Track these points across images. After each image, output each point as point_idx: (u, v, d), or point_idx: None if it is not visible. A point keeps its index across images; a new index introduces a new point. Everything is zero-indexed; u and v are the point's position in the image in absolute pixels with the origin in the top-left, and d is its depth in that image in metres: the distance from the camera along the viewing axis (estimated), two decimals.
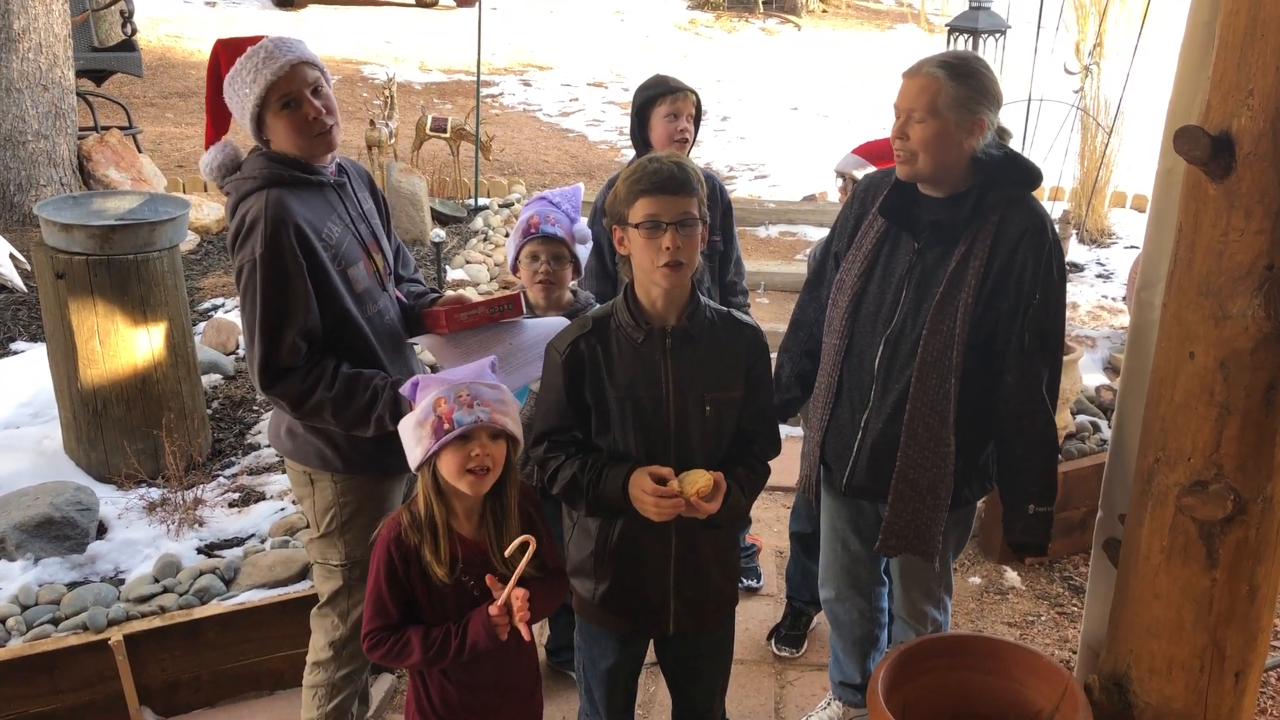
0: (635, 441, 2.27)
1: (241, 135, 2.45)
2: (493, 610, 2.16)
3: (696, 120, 3.39)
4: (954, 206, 2.49)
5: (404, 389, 2.28)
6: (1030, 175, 2.51)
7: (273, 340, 2.33)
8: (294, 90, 2.36)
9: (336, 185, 2.52)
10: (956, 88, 2.40)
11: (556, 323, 2.66)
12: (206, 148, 2.50)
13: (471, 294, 5.95)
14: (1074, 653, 3.37)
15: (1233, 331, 1.98)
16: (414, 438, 2.17)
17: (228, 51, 2.39)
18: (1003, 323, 2.49)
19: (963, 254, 2.47)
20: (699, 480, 2.19)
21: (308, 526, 2.72)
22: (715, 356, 2.30)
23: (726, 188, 3.61)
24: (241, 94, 2.37)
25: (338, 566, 2.63)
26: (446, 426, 2.11)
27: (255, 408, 4.49)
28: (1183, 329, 2.07)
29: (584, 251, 3.01)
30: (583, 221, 3.04)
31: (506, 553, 2.16)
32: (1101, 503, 2.56)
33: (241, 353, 4.83)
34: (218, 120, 2.49)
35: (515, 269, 3.02)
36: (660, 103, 3.33)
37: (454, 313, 2.51)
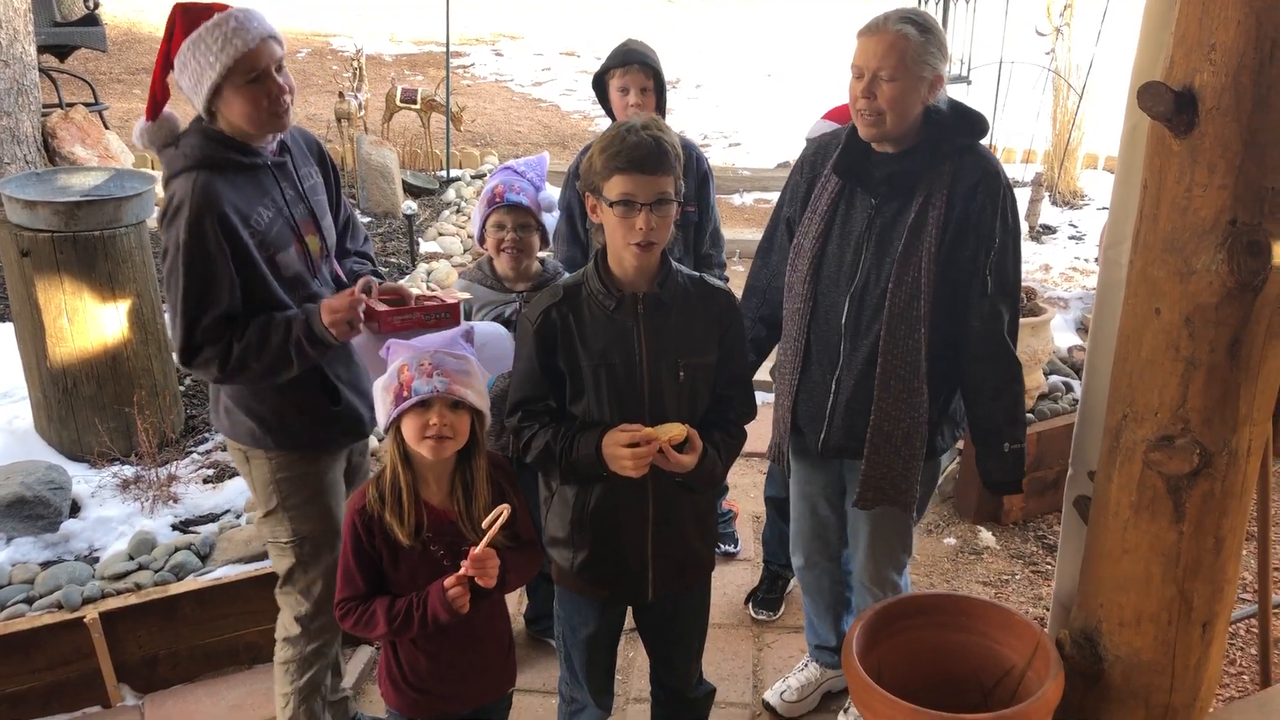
0: (609, 408, 2.26)
1: (181, 107, 2.37)
2: (466, 567, 2.17)
3: (659, 92, 3.29)
4: (908, 159, 2.51)
5: (381, 351, 2.28)
6: (978, 125, 2.55)
7: (192, 322, 2.32)
8: (262, 66, 2.31)
9: (275, 165, 2.46)
10: (923, 43, 2.42)
11: (492, 330, 2.64)
12: (148, 116, 2.41)
13: (445, 266, 5.96)
14: (1048, 610, 3.41)
15: (1197, 287, 1.99)
16: (380, 401, 2.21)
17: (187, 17, 2.30)
18: (964, 269, 2.52)
19: (921, 205, 2.49)
20: (671, 430, 2.20)
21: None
22: (688, 322, 2.29)
23: (706, 157, 3.55)
24: (203, 62, 2.28)
25: (287, 544, 2.62)
26: (405, 394, 2.13)
27: None
28: (1149, 285, 2.08)
29: (550, 220, 2.99)
30: (549, 190, 3.02)
31: (484, 524, 2.17)
32: (1072, 460, 2.58)
33: None
34: (164, 90, 2.41)
35: (482, 239, 3.00)
36: (612, 75, 3.27)
37: (390, 314, 2.45)
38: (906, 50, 2.40)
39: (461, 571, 2.17)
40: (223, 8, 2.32)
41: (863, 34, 2.47)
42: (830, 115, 3.48)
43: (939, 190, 2.49)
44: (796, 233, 2.69)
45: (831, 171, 2.61)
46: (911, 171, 2.50)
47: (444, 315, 2.53)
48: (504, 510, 2.16)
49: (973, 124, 2.55)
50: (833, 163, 2.60)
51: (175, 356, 2.39)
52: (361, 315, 2.39)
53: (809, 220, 2.65)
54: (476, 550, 2.16)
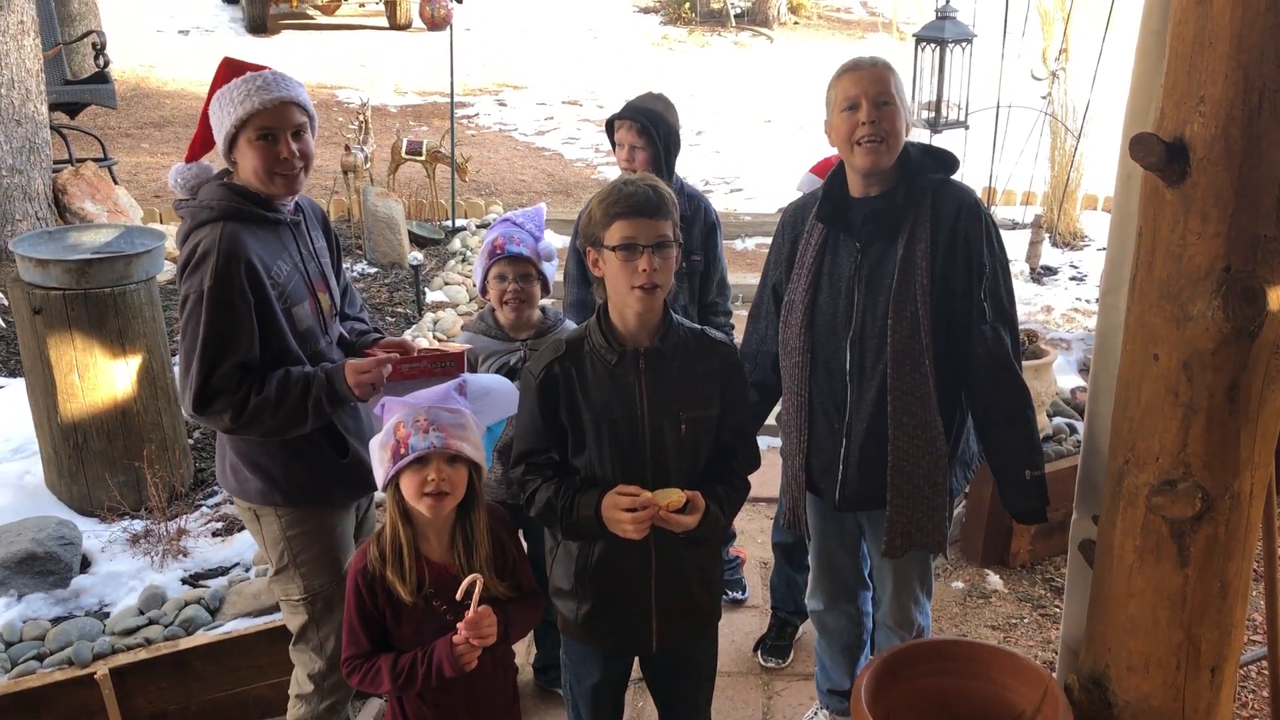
0: (611, 462, 2.28)
1: (220, 160, 2.47)
2: (456, 639, 2.19)
3: (665, 148, 3.35)
4: (887, 199, 2.57)
5: (375, 409, 2.31)
6: (948, 161, 2.63)
7: (210, 369, 2.35)
8: (276, 126, 2.39)
9: (292, 224, 2.54)
10: (898, 75, 2.56)
11: (495, 381, 2.68)
12: (188, 158, 2.51)
13: (451, 315, 6.00)
14: (1057, 654, 3.40)
15: (1194, 333, 2.01)
16: (378, 459, 2.23)
17: (229, 70, 2.42)
18: (959, 299, 2.56)
19: (907, 241, 2.54)
20: (670, 496, 2.22)
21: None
22: (689, 376, 2.32)
23: (713, 208, 3.60)
24: (226, 110, 2.40)
25: (299, 601, 2.63)
26: (402, 451, 2.15)
27: None
28: (1146, 332, 2.11)
29: (550, 268, 3.04)
30: (548, 239, 3.07)
31: (458, 595, 2.18)
32: (1076, 504, 2.59)
33: None
34: (209, 135, 2.50)
35: (484, 291, 3.05)
36: (618, 125, 3.39)
37: (397, 363, 2.51)
38: (891, 79, 2.53)
39: (458, 637, 2.19)
40: (260, 67, 2.43)
41: (849, 71, 2.56)
42: (817, 169, 3.54)
43: (921, 224, 2.55)
44: (786, 290, 2.73)
45: (815, 221, 2.66)
46: (892, 209, 2.55)
47: (449, 364, 2.58)
48: (475, 579, 2.18)
49: (942, 161, 2.63)
50: (814, 213, 2.66)
51: (187, 404, 2.39)
52: (385, 376, 2.43)
53: (797, 275, 2.69)
54: (470, 615, 2.18)
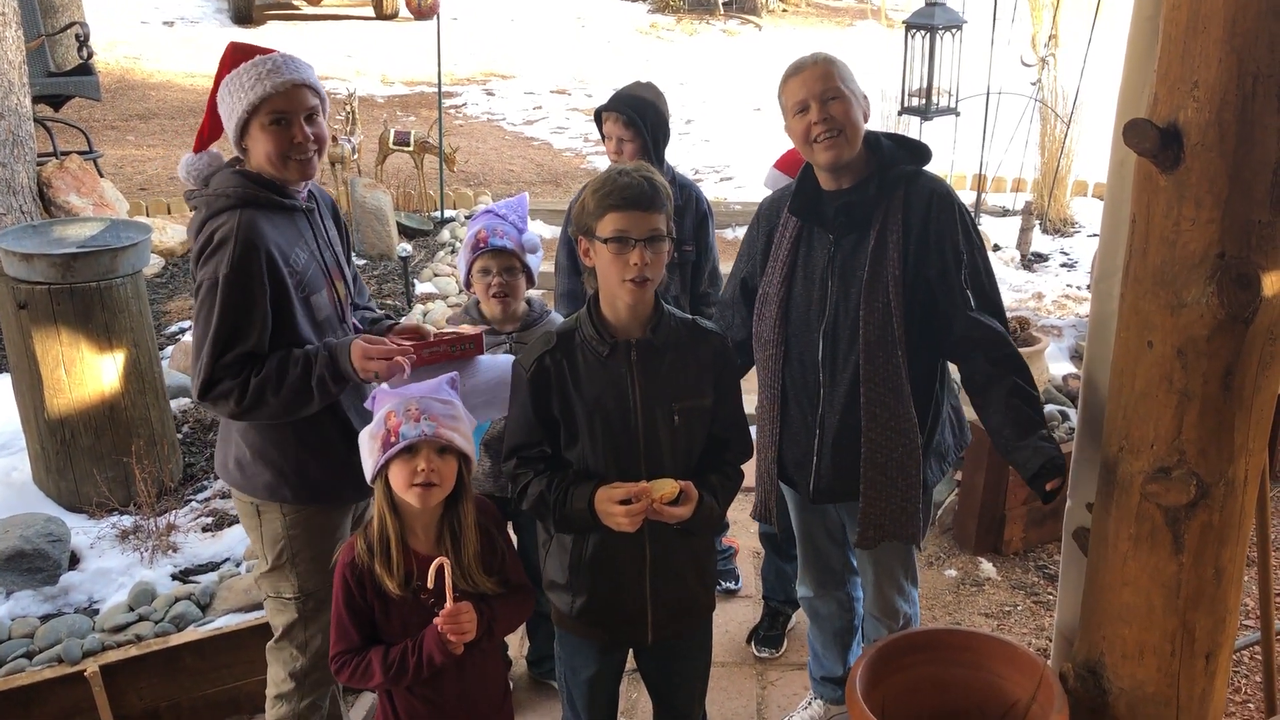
0: (604, 454, 2.27)
1: (229, 148, 2.44)
2: (439, 625, 2.17)
3: (653, 138, 3.33)
4: (859, 191, 2.56)
5: (366, 403, 2.29)
6: (921, 152, 2.63)
7: (219, 356, 2.31)
8: (289, 110, 2.35)
9: (307, 211, 2.51)
10: (844, 65, 2.55)
11: (507, 361, 2.66)
12: (196, 149, 2.47)
13: (440, 307, 5.97)
14: (1051, 642, 3.40)
15: (1189, 319, 2.01)
16: (367, 450, 2.21)
17: (237, 54, 2.37)
18: (936, 289, 2.55)
19: (879, 231, 2.53)
20: (664, 486, 2.20)
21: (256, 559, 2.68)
22: (681, 366, 2.31)
23: (705, 197, 3.59)
24: (236, 95, 2.34)
25: (291, 599, 2.59)
26: (393, 439, 2.13)
27: None
28: (1140, 318, 2.10)
29: (534, 260, 3.01)
30: (531, 230, 3.05)
31: (429, 583, 2.17)
32: (1070, 492, 2.58)
33: None
34: (216, 124, 2.45)
35: (468, 284, 3.02)
36: (605, 117, 3.36)
37: (418, 349, 2.48)
38: (836, 72, 2.52)
39: (440, 622, 2.17)
40: (269, 50, 2.38)
41: (791, 76, 2.56)
42: (781, 164, 3.54)
43: (893, 214, 2.54)
44: (760, 283, 2.72)
45: (789, 214, 2.65)
46: (864, 202, 2.54)
47: (468, 345, 2.58)
48: (441, 563, 2.16)
49: (915, 151, 2.62)
50: (789, 206, 2.65)
51: (194, 390, 2.35)
52: (403, 366, 2.38)
53: (772, 268, 2.69)
54: (447, 607, 2.16)
